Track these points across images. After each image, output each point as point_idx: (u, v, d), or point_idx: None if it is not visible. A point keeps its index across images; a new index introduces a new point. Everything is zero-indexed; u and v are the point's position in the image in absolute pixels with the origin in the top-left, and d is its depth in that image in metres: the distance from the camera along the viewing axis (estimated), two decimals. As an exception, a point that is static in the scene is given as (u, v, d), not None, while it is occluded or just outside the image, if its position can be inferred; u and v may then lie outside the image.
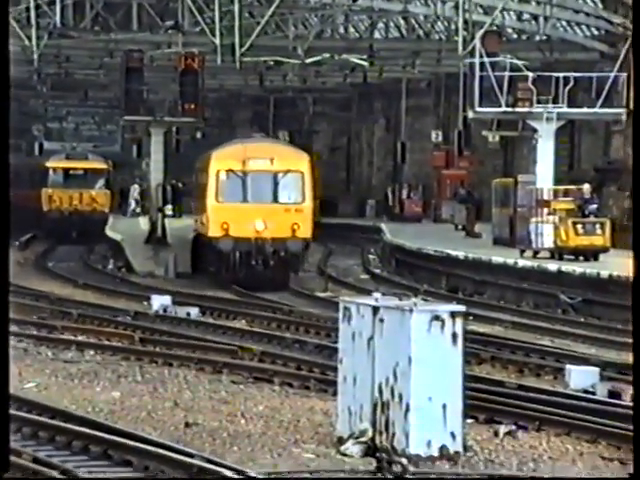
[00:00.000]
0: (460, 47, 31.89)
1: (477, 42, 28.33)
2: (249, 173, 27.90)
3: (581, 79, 28.77)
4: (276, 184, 27.86)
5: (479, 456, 11.22)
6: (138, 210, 39.82)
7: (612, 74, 28.16)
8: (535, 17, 34.03)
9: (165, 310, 22.78)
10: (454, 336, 11.63)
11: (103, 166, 42.47)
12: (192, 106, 33.00)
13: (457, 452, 11.27)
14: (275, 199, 27.91)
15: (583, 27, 36.86)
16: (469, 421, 11.86)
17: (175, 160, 36.74)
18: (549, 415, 12.63)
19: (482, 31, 29.81)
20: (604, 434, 11.91)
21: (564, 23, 36.17)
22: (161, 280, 29.64)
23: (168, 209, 34.70)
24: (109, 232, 36.14)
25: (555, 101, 27.83)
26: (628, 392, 13.38)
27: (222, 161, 28.32)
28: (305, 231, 27.92)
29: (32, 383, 14.80)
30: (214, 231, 27.76)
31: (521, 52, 31.81)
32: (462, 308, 11.93)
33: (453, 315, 11.76)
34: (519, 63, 28.62)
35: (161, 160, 33.97)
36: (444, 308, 11.97)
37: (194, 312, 22.45)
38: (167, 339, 19.17)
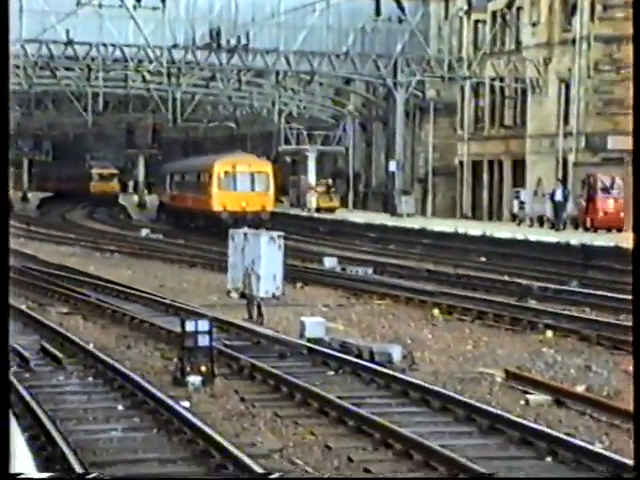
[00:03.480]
0: (276, 120, 58.04)
1: (283, 121, 55.72)
2: (237, 173, 43.76)
3: (326, 134, 56.33)
4: (253, 180, 43.49)
5: (288, 297, 24.10)
6: (131, 191, 75.68)
7: (338, 133, 56.14)
8: (304, 107, 61.68)
9: (147, 235, 43.84)
10: (279, 246, 24.52)
11: (116, 172, 77.82)
12: (156, 145, 69.06)
13: (279, 295, 24.16)
14: (253, 189, 43.33)
15: (324, 111, 63.58)
16: (283, 282, 24.78)
17: (150, 170, 70.49)
18: (319, 277, 26.42)
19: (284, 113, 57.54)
20: (339, 286, 25.31)
21: (316, 110, 63.11)
22: (144, 222, 53.78)
23: (146, 192, 67.14)
24: (120, 201, 70.09)
25: (315, 142, 55.77)
26: (348, 268, 28.35)
27: (221, 166, 44.30)
28: (270, 207, 43.48)
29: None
30: (217, 207, 43.25)
31: (300, 122, 56.95)
32: (282, 233, 24.85)
33: (279, 237, 24.69)
34: (300, 127, 55.17)
35: (143, 170, 70.35)
36: (275, 234, 24.88)
37: (160, 236, 42.18)
38: (150, 247, 36.32)
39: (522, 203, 46.69)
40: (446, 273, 29.26)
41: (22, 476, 8.68)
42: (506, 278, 27.89)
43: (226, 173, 44.03)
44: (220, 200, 43.45)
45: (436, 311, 21.42)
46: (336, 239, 43.05)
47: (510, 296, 23.85)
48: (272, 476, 9.45)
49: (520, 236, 37.77)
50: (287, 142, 59.54)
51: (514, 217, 48.16)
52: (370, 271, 29.08)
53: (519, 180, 52.60)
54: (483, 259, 34.41)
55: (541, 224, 44.94)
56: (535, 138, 51.67)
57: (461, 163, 58.26)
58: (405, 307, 22.46)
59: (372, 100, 62.60)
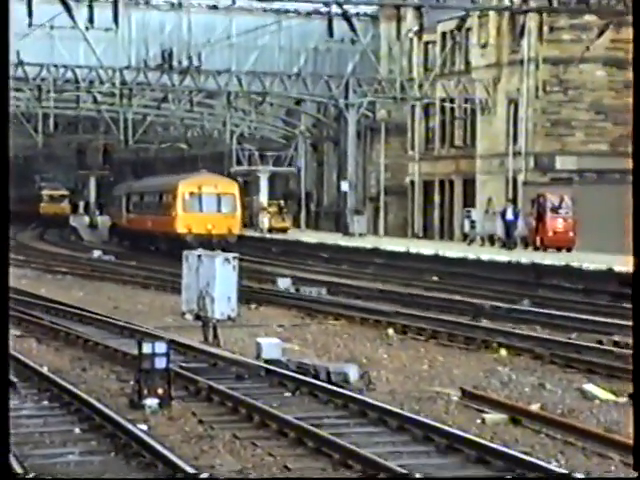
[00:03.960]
0: (228, 140, 58.79)
1: (234, 141, 57.15)
2: (203, 194, 42.46)
3: (278, 155, 58.89)
4: (219, 201, 42.28)
5: (243, 318, 24.07)
6: (82, 212, 73.43)
7: (290, 153, 57.21)
8: (256, 127, 62.73)
9: (99, 257, 43.55)
10: (234, 267, 24.45)
11: (66, 193, 77.32)
12: (107, 166, 73.02)
13: (235, 317, 24.09)
14: (219, 210, 42.11)
15: (275, 132, 64.32)
16: (238, 304, 24.75)
17: (102, 191, 70.67)
18: (274, 298, 26.55)
19: (235, 134, 58.40)
20: (293, 306, 25.44)
21: (267, 130, 64.05)
22: (96, 244, 54.34)
23: (98, 213, 66.60)
24: (71, 223, 68.43)
25: (267, 162, 57.97)
26: (303, 288, 28.24)
27: (186, 186, 42.94)
28: (237, 230, 42.32)
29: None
30: (181, 229, 41.81)
31: (251, 143, 58.22)
32: (237, 255, 24.80)
33: (234, 258, 24.62)
34: (252, 147, 56.03)
35: (94, 190, 69.67)
36: (230, 255, 24.81)
37: (113, 258, 41.73)
38: (103, 269, 36.20)
39: (473, 222, 47.11)
40: (399, 293, 29.41)
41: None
42: (458, 297, 28.08)
43: (191, 194, 42.56)
44: (185, 222, 42.00)
45: (391, 331, 21.50)
46: (289, 259, 43.18)
47: (463, 315, 24.02)
48: (202, 476, 9.53)
49: (472, 255, 38.08)
50: (239, 163, 59.83)
51: (465, 236, 48.56)
52: (324, 291, 29.25)
53: (470, 199, 53.07)
54: (435, 278, 34.70)
55: (492, 243, 45.32)
56: (485, 158, 52.18)
57: (412, 183, 58.65)
58: (360, 327, 22.55)
59: (323, 121, 62.85)
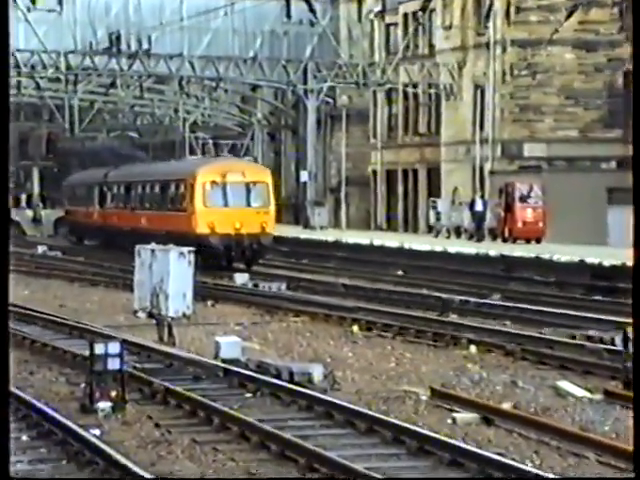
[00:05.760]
0: (181, 129, 56.97)
1: (187, 130, 53.80)
2: (228, 184, 35.64)
3: (233, 144, 54.40)
4: (249, 192, 35.69)
5: (199, 315, 24.03)
6: (25, 206, 69.77)
7: (245, 142, 53.76)
8: (209, 115, 61.31)
9: (44, 252, 43.01)
10: (189, 262, 24.39)
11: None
12: (51, 156, 66.84)
13: (190, 314, 24.05)
14: (249, 204, 35.61)
15: (230, 120, 63.62)
16: (194, 301, 24.61)
17: (45, 182, 68.51)
18: (231, 294, 26.58)
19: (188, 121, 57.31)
20: (252, 303, 25.52)
21: (222, 118, 62.87)
22: (40, 239, 53.46)
23: (41, 207, 64.52)
24: (13, 217, 61.11)
25: (222, 151, 54.85)
26: (261, 284, 28.73)
27: (207, 174, 35.93)
28: (271, 229, 35.76)
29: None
30: (202, 229, 34.95)
31: (205, 131, 55.08)
32: (193, 249, 24.75)
33: (189, 252, 24.56)
34: (205, 136, 50.34)
35: (37, 182, 66.95)
36: (185, 249, 24.75)
37: (59, 254, 41.80)
38: (49, 265, 36.06)
39: (439, 214, 47.28)
40: (363, 288, 29.42)
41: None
42: (425, 292, 28.11)
43: (213, 184, 35.67)
44: (206, 220, 35.08)
45: (355, 328, 21.50)
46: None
47: (431, 310, 24.06)
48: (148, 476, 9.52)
49: (438, 248, 38.19)
50: (192, 152, 59.30)
51: (431, 228, 48.75)
52: (284, 287, 29.22)
53: (435, 190, 53.30)
54: (401, 272, 34.72)
55: (458, 235, 45.51)
56: (450, 146, 52.39)
57: (375, 172, 58.79)
58: (323, 324, 22.53)
59: (281, 108, 62.84)
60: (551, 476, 10.17)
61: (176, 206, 37.34)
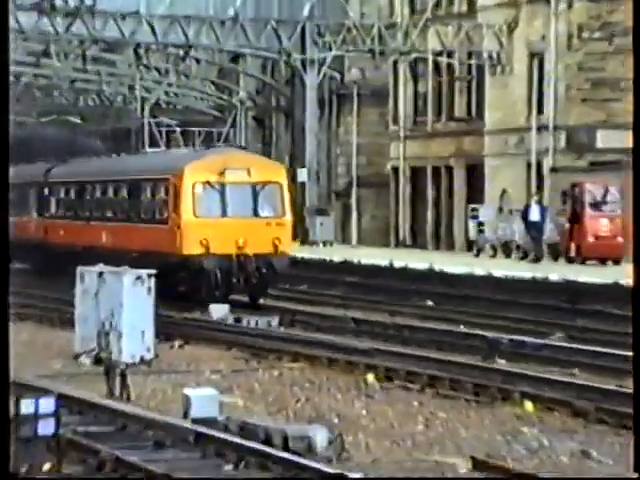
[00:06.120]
0: (139, 113, 58.71)
1: (147, 114, 54.52)
2: (228, 185, 34.07)
3: (208, 132, 55.19)
4: (255, 196, 34.25)
5: (163, 360, 24.04)
6: None
7: (225, 130, 52.29)
8: (176, 94, 64.69)
9: None
10: (149, 289, 24.41)
11: None
12: None
13: (151, 359, 24.05)
14: (256, 213, 34.24)
15: (204, 101, 66.39)
16: (156, 340, 24.61)
17: None
18: (206, 332, 26.75)
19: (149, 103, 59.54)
20: (234, 343, 25.59)
21: (193, 98, 65.52)
22: None
23: None
24: None
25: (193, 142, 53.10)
26: (245, 318, 28.74)
27: (198, 171, 34.21)
28: (288, 246, 34.66)
29: None
30: (189, 249, 33.30)
31: (171, 115, 56.79)
32: (154, 272, 24.78)
33: (149, 276, 24.59)
34: (171, 122, 51.44)
35: None
36: (143, 272, 24.77)
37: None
38: None
39: (481, 225, 47.43)
40: (382, 323, 29.66)
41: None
42: (463, 329, 28.34)
43: (207, 185, 34.25)
44: (196, 235, 33.58)
45: (371, 376, 21.60)
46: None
47: (472, 354, 24.22)
48: None
49: (480, 271, 38.32)
50: (153, 143, 59.33)
51: (470, 245, 48.91)
52: (275, 322, 29.45)
53: (476, 193, 53.43)
54: (430, 303, 34.98)
55: (508, 254, 45.57)
56: (497, 134, 52.53)
57: (396, 170, 58.96)
58: (327, 371, 22.65)
59: (271, 84, 63.08)
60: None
61: (153, 216, 36.08)
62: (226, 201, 34.15)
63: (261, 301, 34.68)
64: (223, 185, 34.17)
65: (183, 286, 33.56)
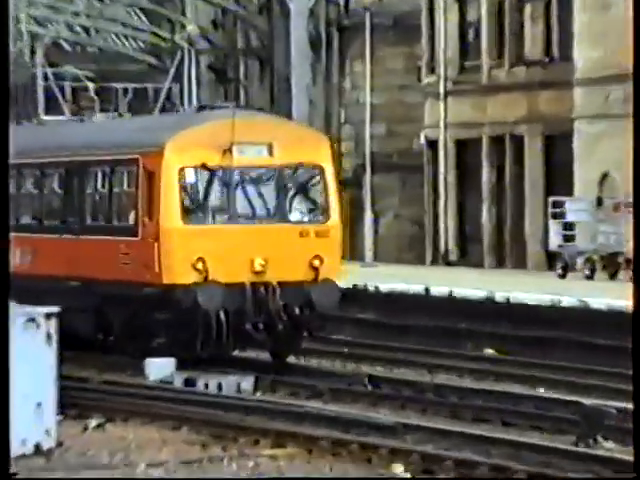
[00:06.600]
0: (27, 59, 58.80)
1: (39, 53, 55.99)
2: (235, 170, 32.98)
3: (138, 89, 56.82)
4: (283, 188, 33.61)
5: (72, 450, 23.68)
6: None
7: (166, 85, 54.32)
8: (87, 30, 63.21)
9: None
10: (49, 336, 24.02)
11: None
12: None
13: (52, 448, 23.65)
14: (284, 217, 33.55)
15: (132, 40, 66.47)
16: (59, 417, 24.24)
17: None
18: (140, 403, 26.54)
19: (43, 43, 59.37)
20: (185, 420, 25.29)
21: (114, 36, 65.66)
22: None
23: None
24: None
25: (117, 110, 48.63)
26: (201, 379, 28.79)
27: (187, 148, 33.16)
28: (335, 269, 34.29)
29: None
30: (174, 277, 32.29)
31: (79, 63, 57.11)
32: (56, 309, 24.40)
33: (48, 316, 24.20)
34: (80, 73, 50.94)
35: None
36: (39, 310, 24.38)
37: None
38: None
39: (569, 227, 47.84)
40: (414, 384, 29.99)
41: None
42: (544, 392, 28.85)
43: (202, 171, 33.29)
44: (186, 252, 32.83)
45: (400, 468, 21.74)
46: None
47: (559, 433, 24.57)
48: None
49: (570, 300, 38.66)
50: (51, 108, 58.94)
51: (552, 259, 49.22)
52: (249, 384, 29.74)
53: (561, 178, 53.35)
54: (491, 351, 35.69)
55: (613, 273, 45.71)
56: (593, 86, 52.49)
57: (433, 145, 59.01)
58: (331, 461, 22.69)
59: (236, 12, 63.07)
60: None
61: (109, 222, 35.33)
62: (234, 197, 33.38)
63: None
64: (229, 171, 33.17)
65: (162, 337, 32.49)
